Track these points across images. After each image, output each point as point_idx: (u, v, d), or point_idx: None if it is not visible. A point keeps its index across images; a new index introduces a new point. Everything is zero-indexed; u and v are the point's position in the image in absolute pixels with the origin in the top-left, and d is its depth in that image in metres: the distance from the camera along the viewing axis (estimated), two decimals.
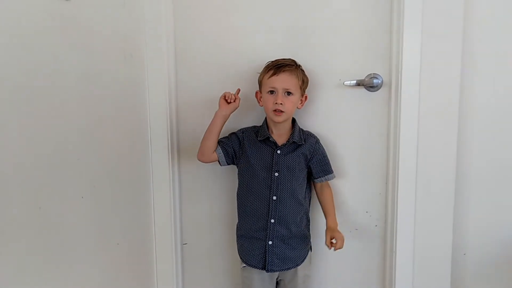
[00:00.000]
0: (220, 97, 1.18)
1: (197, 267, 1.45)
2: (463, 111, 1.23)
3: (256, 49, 1.30)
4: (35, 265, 0.77)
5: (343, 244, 1.19)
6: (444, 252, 1.28)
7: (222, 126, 1.18)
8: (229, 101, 1.17)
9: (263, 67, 1.20)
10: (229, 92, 1.18)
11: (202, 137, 1.20)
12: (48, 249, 0.81)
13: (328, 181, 1.27)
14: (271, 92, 1.15)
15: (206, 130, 1.18)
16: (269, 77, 1.14)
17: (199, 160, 1.21)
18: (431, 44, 1.19)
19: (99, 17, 1.01)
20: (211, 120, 1.19)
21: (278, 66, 1.14)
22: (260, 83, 1.20)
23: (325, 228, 1.25)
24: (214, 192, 1.40)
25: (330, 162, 1.27)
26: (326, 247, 1.20)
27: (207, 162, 1.22)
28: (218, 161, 1.22)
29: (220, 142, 1.21)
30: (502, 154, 1.26)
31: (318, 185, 1.27)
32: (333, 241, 1.18)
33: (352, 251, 1.36)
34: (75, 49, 0.90)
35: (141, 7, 1.26)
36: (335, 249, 1.21)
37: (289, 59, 1.19)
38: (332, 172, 1.26)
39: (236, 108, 1.19)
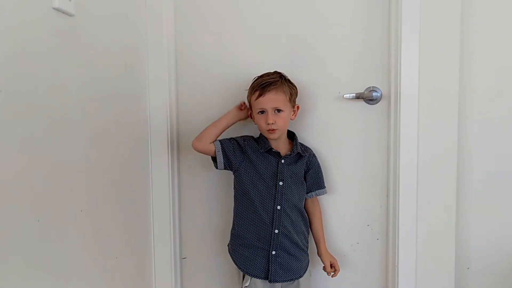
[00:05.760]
0: (235, 106, 1.23)
1: (197, 282, 1.43)
2: (462, 123, 1.23)
3: (256, 60, 1.31)
4: (34, 277, 0.76)
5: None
6: (447, 266, 1.26)
7: (228, 125, 1.21)
8: (242, 108, 1.22)
9: (249, 85, 1.19)
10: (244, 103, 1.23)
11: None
12: (46, 262, 0.80)
13: (319, 199, 1.27)
14: (261, 112, 1.15)
15: (212, 123, 1.20)
16: (256, 98, 1.14)
17: (194, 147, 1.18)
18: (429, 57, 1.20)
19: (101, 30, 1.02)
20: None
21: (263, 86, 1.13)
22: (249, 103, 1.21)
23: (320, 253, 1.26)
24: (214, 206, 1.39)
25: (331, 175, 1.27)
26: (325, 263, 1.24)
27: (201, 151, 1.19)
28: (215, 162, 1.19)
29: (220, 141, 1.20)
30: (504, 165, 1.26)
31: (309, 201, 1.27)
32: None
33: (354, 265, 1.34)
34: (77, 61, 0.91)
35: (143, 19, 1.28)
36: (334, 276, 1.25)
37: (274, 73, 1.18)
38: (325, 187, 1.27)
39: (244, 118, 1.24)
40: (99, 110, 1.01)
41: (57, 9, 0.82)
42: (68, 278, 0.87)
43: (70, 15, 0.87)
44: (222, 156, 1.18)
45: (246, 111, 1.23)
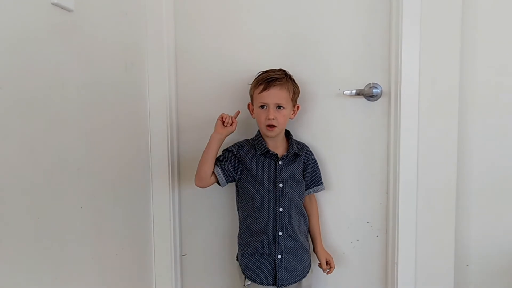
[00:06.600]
0: (217, 119, 1.14)
1: (197, 279, 1.43)
2: (463, 119, 1.23)
3: (256, 58, 1.30)
4: (34, 275, 0.76)
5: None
6: (446, 264, 1.26)
7: (218, 149, 1.14)
8: (225, 124, 1.13)
9: (254, 79, 1.19)
10: (227, 115, 1.14)
11: (200, 154, 1.15)
12: (46, 259, 0.80)
13: (319, 196, 1.27)
14: (262, 106, 1.15)
15: (202, 155, 1.14)
16: (260, 92, 1.14)
17: (197, 186, 1.15)
18: (429, 54, 1.20)
19: (101, 26, 1.01)
20: (211, 131, 1.16)
21: (268, 81, 1.13)
22: (251, 96, 1.20)
23: (316, 250, 1.26)
24: (214, 203, 1.39)
25: (330, 172, 1.27)
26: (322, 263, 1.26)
27: (206, 187, 1.16)
28: (218, 183, 1.17)
29: (217, 162, 1.16)
30: (504, 163, 1.26)
31: (307, 198, 1.26)
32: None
33: (353, 262, 1.35)
34: (76, 58, 0.90)
35: (143, 16, 1.27)
36: (329, 273, 1.25)
37: (279, 70, 1.18)
38: (322, 183, 1.26)
39: (232, 132, 1.15)
40: (99, 107, 1.00)
41: (56, 4, 0.81)
42: (68, 275, 0.87)
43: (69, 10, 0.86)
44: (224, 178, 1.16)
45: (231, 126, 1.14)
